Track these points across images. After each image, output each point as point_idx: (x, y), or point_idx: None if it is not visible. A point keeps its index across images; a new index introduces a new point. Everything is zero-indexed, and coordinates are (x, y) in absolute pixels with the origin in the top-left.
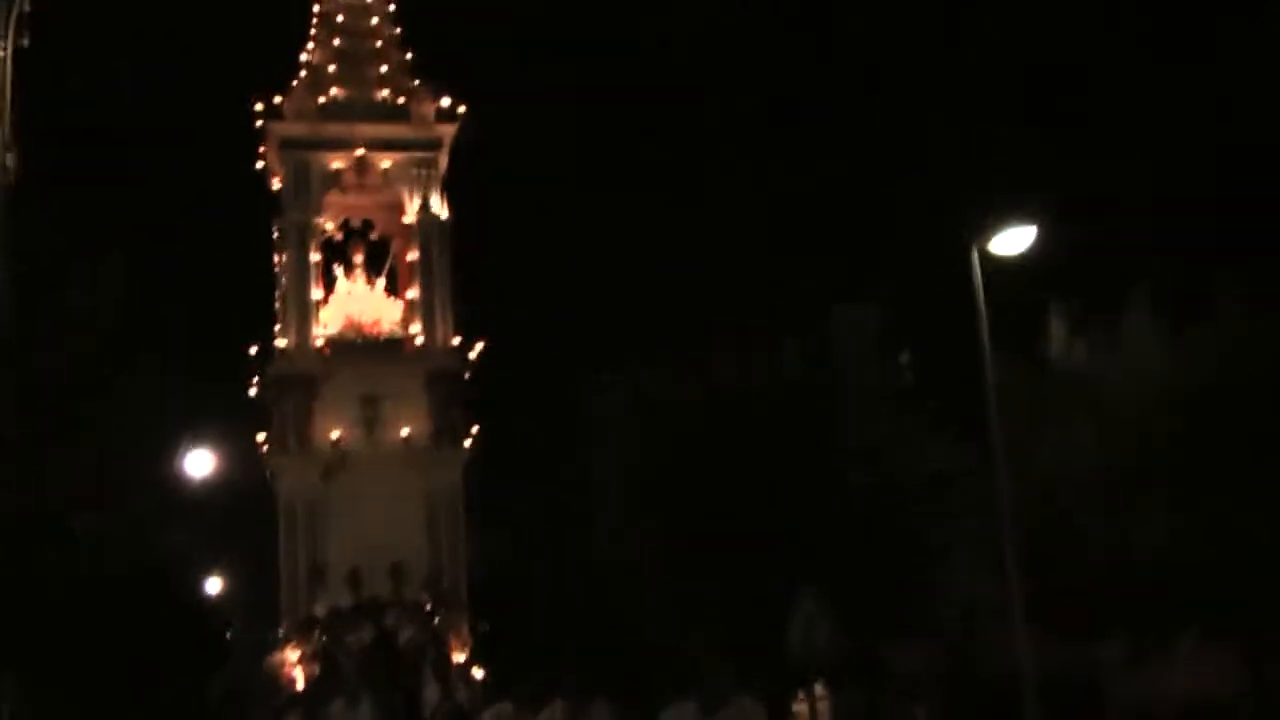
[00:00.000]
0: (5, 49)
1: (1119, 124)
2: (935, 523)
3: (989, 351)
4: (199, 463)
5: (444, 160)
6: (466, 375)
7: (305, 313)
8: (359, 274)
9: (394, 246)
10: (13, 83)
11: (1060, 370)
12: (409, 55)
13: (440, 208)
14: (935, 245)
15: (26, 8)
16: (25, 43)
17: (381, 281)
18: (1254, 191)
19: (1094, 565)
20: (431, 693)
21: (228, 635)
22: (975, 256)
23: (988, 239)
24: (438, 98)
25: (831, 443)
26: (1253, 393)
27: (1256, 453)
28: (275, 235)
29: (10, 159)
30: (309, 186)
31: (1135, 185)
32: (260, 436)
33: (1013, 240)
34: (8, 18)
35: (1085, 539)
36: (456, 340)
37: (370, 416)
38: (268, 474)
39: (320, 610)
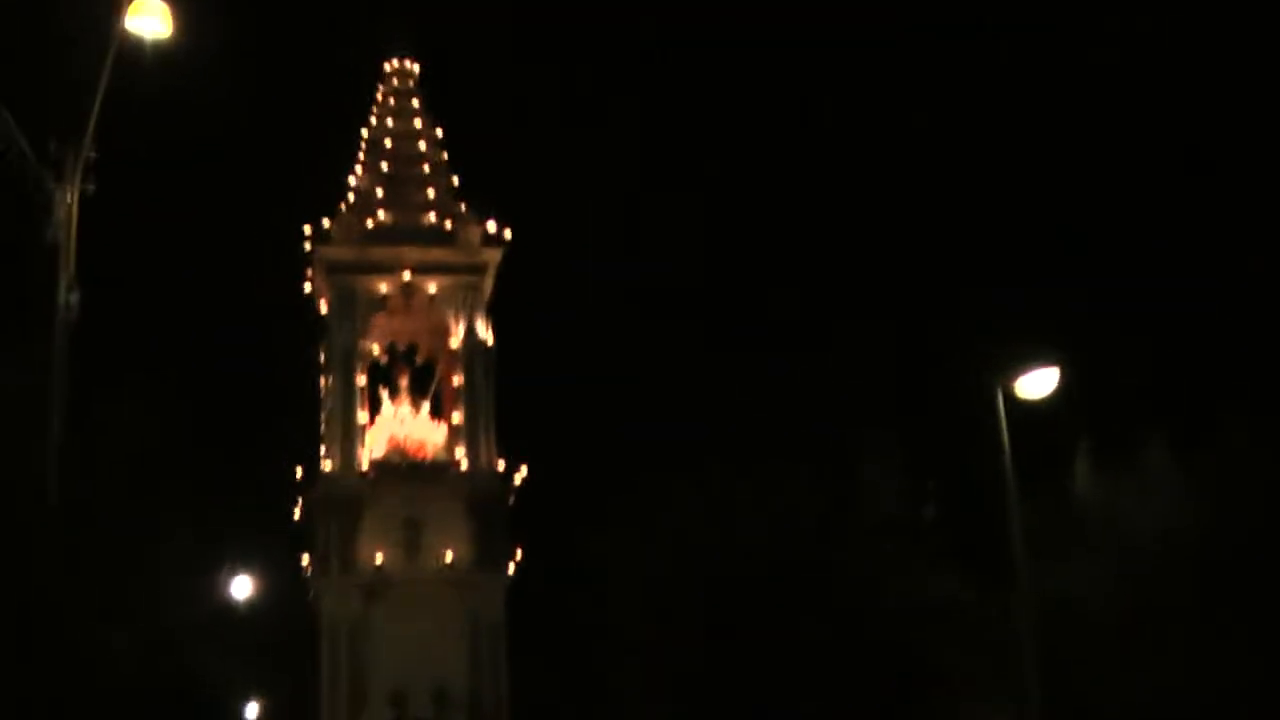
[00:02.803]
0: (72, 195)
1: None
2: (954, 653)
3: (1014, 488)
4: (241, 585)
5: (489, 284)
6: (510, 500)
7: (350, 436)
8: (404, 398)
9: (439, 371)
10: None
11: (1081, 505)
12: (455, 181)
13: (485, 333)
14: (960, 380)
15: (92, 155)
16: (91, 189)
17: (426, 405)
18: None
19: (1113, 698)
20: None
21: None
22: (1000, 398)
23: (1013, 380)
24: (483, 223)
25: (852, 573)
26: (1261, 533)
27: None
28: (321, 358)
29: (74, 298)
30: (355, 310)
31: (1150, 323)
32: (304, 558)
33: (1038, 382)
34: (75, 165)
35: (1104, 672)
36: (500, 465)
37: (413, 540)
38: (311, 596)
39: None
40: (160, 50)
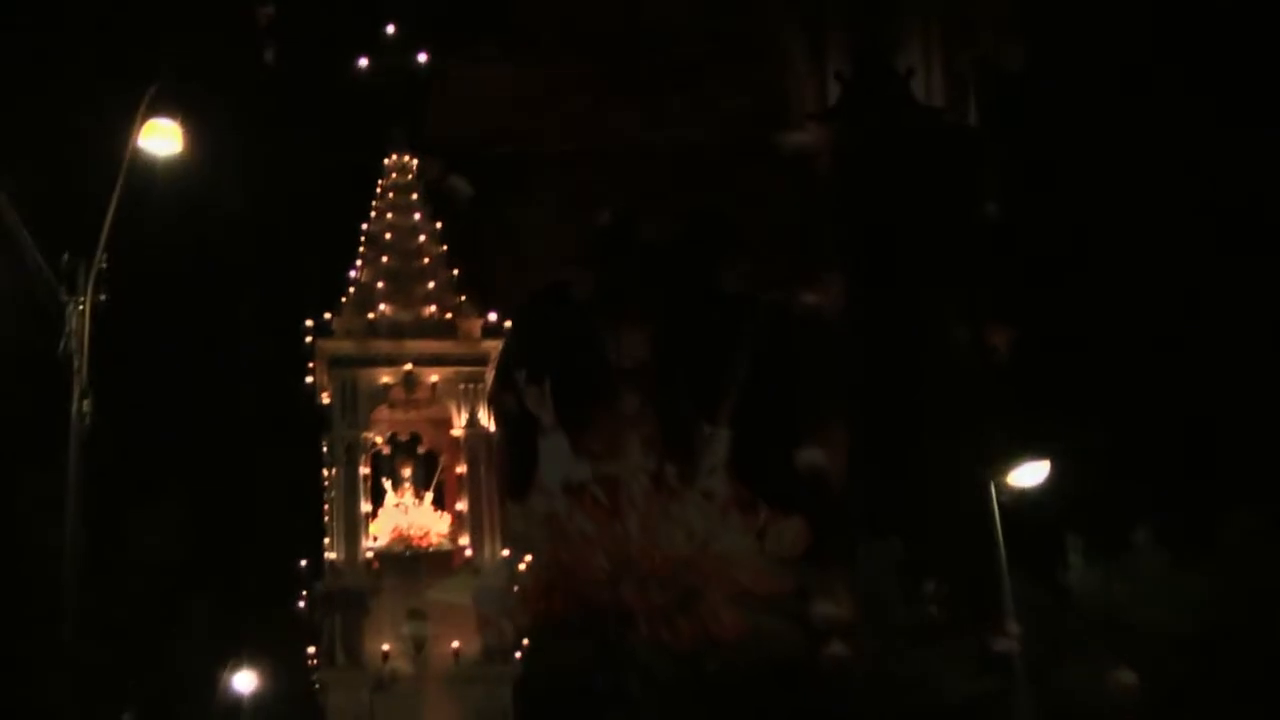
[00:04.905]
0: (85, 303)
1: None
2: None
3: (1008, 581)
4: (245, 680)
5: (490, 375)
6: (515, 589)
7: (354, 527)
8: (407, 488)
9: (442, 460)
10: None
11: (1078, 598)
12: (455, 273)
13: (487, 421)
14: (954, 479)
15: (104, 265)
16: (103, 298)
17: (429, 495)
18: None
19: None
20: None
21: None
22: (993, 490)
23: (1005, 473)
24: (483, 314)
25: (859, 675)
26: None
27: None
28: (325, 450)
29: (87, 405)
30: (357, 402)
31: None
32: (309, 651)
33: (1029, 474)
34: (87, 274)
35: None
36: (505, 552)
37: (419, 630)
38: (316, 689)
39: None
40: (171, 164)
